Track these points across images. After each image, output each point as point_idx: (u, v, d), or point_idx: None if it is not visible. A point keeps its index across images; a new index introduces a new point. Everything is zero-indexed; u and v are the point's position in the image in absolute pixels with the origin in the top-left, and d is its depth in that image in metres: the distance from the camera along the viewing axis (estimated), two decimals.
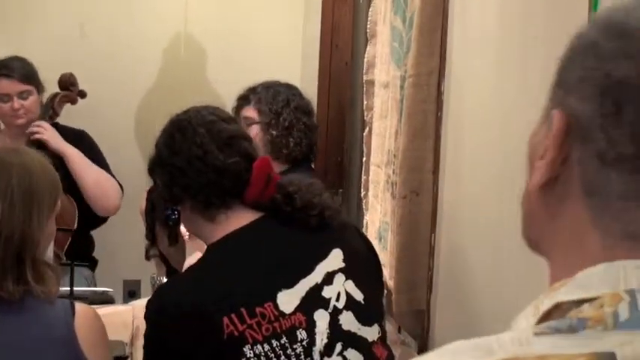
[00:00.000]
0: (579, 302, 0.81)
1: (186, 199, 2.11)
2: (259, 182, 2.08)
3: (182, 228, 2.24)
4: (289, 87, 3.70)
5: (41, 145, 3.71)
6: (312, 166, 3.78)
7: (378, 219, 3.39)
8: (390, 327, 2.70)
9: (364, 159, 3.70)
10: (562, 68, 0.90)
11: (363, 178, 3.68)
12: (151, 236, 2.20)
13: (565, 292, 0.81)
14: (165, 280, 2.32)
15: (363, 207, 3.66)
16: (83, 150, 3.86)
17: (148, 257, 2.18)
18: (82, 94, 4.11)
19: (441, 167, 2.83)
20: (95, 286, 3.77)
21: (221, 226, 2.08)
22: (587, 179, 0.85)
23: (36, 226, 2.01)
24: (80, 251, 3.75)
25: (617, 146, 0.83)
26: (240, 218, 2.09)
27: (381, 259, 2.41)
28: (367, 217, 3.59)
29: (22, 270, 1.97)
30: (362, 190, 3.68)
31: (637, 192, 0.83)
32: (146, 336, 2.04)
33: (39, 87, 3.98)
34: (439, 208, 2.83)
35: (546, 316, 0.81)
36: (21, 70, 3.92)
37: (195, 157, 2.08)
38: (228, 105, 3.90)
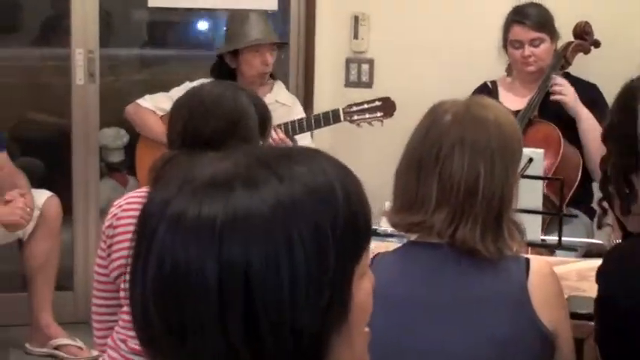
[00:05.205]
0: None
1: None
2: None
3: None
4: None
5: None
6: None
7: None
8: None
9: None
10: None
11: None
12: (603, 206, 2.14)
13: None
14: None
15: None
16: (590, 105, 3.81)
17: (600, 226, 2.21)
18: (596, 44, 4.06)
19: None
20: (593, 237, 3.60)
21: None
22: None
23: (512, 183, 1.98)
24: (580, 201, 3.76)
25: None
26: None
27: None
28: None
29: (501, 229, 1.95)
30: None
31: None
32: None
33: (553, 35, 3.97)
34: None
35: None
36: (535, 18, 3.92)
37: None
38: None
